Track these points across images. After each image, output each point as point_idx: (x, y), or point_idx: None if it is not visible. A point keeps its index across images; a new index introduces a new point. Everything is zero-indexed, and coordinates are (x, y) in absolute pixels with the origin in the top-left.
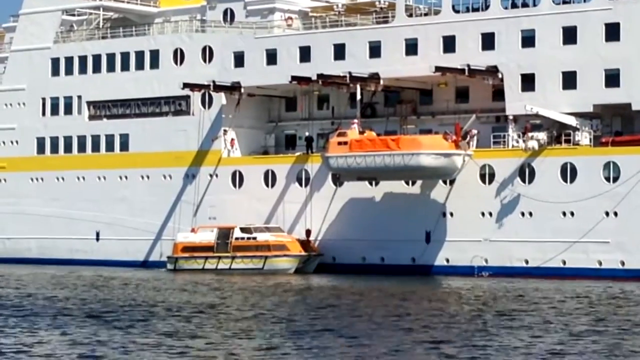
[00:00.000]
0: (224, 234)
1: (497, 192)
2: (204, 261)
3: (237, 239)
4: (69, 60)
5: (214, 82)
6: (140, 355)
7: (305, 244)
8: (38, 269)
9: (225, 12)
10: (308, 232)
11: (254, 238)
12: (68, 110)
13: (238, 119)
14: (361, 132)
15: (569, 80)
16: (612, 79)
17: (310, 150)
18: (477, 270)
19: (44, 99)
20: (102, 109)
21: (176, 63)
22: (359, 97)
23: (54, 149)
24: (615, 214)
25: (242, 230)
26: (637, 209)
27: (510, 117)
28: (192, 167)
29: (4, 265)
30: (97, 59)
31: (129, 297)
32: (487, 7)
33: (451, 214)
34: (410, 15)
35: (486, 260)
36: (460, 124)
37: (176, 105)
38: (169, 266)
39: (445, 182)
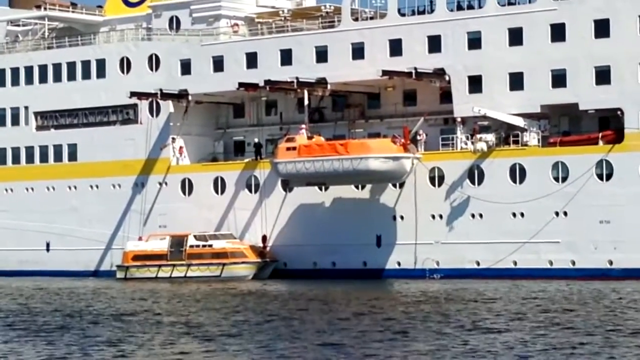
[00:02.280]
0: (177, 241)
1: (446, 195)
2: (157, 269)
3: (191, 246)
4: (15, 71)
5: (161, 90)
6: None
7: (260, 250)
8: None
9: (171, 20)
10: (264, 238)
11: (210, 245)
12: (15, 121)
13: (186, 127)
14: (309, 137)
15: (516, 81)
16: (559, 79)
17: (259, 156)
18: (429, 273)
19: None
20: (49, 119)
21: (123, 72)
22: (306, 102)
23: (2, 160)
24: (565, 213)
25: (197, 237)
26: (587, 209)
27: (458, 119)
28: (141, 175)
29: None
30: (43, 69)
31: (65, 305)
32: (432, 10)
33: (401, 217)
34: (356, 20)
35: (437, 263)
36: (409, 127)
37: (124, 114)
38: (119, 275)
39: (394, 186)
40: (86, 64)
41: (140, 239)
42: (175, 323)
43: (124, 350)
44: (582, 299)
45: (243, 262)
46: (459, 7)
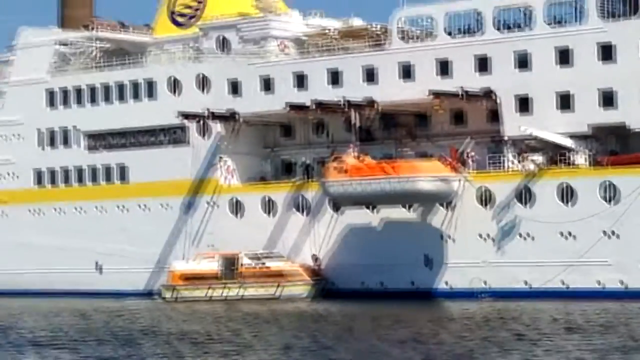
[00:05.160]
0: (229, 261)
1: (495, 215)
2: (208, 289)
3: (244, 266)
4: (65, 92)
5: (210, 110)
6: None
7: (313, 269)
8: (35, 301)
9: (219, 40)
10: (315, 259)
11: (264, 265)
12: (65, 141)
13: (235, 147)
14: (358, 158)
15: (564, 101)
16: (607, 99)
17: (308, 176)
18: (478, 294)
19: (40, 131)
20: (99, 140)
21: (172, 92)
22: (355, 122)
23: (52, 181)
24: (614, 233)
25: (249, 257)
26: (636, 228)
27: (507, 140)
28: (191, 196)
29: (3, 298)
30: (92, 90)
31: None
32: (481, 30)
33: (450, 237)
34: (405, 39)
35: (486, 283)
36: (457, 147)
37: (173, 135)
38: (166, 295)
39: (443, 206)
40: (135, 85)
41: (190, 259)
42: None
43: None
44: None
45: (299, 282)
46: (508, 27)
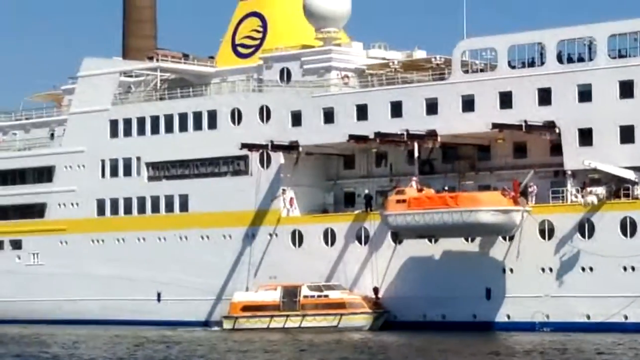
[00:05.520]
0: (290, 292)
1: (556, 248)
2: (270, 320)
3: (305, 297)
4: (128, 122)
5: (271, 141)
6: None
7: (374, 301)
8: (96, 330)
9: (281, 71)
10: (376, 290)
11: (326, 296)
12: (127, 171)
13: (296, 178)
14: (419, 190)
15: (627, 134)
16: None
17: (369, 208)
18: (539, 326)
19: (103, 161)
20: (161, 169)
21: (234, 123)
22: (416, 154)
23: (114, 210)
24: None
25: (311, 288)
26: None
27: (569, 172)
28: (252, 226)
29: (65, 327)
30: (155, 120)
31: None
32: (543, 62)
33: (511, 270)
34: (467, 72)
35: (547, 316)
36: (519, 179)
37: (235, 165)
38: (227, 325)
39: (504, 238)
40: (198, 115)
41: (249, 289)
42: None
43: None
44: None
45: (361, 313)
46: (570, 60)
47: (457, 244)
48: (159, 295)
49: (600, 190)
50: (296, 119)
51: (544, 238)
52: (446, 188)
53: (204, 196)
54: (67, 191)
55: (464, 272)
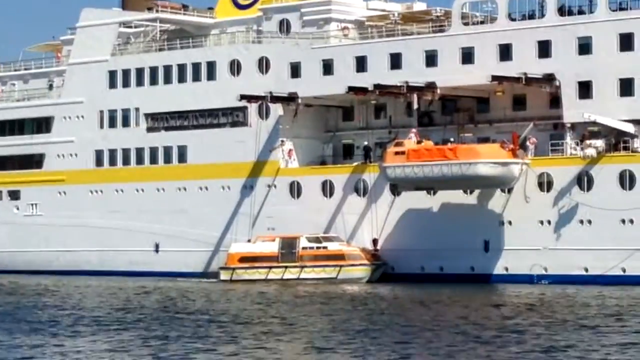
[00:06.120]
0: (289, 243)
1: (555, 201)
2: (267, 271)
3: (304, 248)
4: (126, 73)
5: (270, 93)
6: None
7: (373, 253)
8: (95, 280)
9: (281, 23)
10: (375, 242)
11: (325, 247)
12: (126, 122)
13: (295, 130)
14: (418, 142)
15: (626, 87)
16: None
17: (368, 160)
18: (537, 279)
19: (101, 112)
20: (159, 121)
21: (233, 74)
22: (415, 106)
23: (112, 161)
24: None
25: (309, 239)
26: None
27: (568, 125)
28: (250, 178)
29: (63, 277)
30: (154, 71)
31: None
32: (542, 14)
33: (509, 223)
34: (466, 24)
35: (545, 269)
36: (518, 132)
37: (233, 117)
38: (224, 276)
39: (503, 191)
40: (196, 67)
41: (249, 241)
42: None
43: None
44: None
45: (360, 265)
46: (569, 12)
47: (456, 196)
48: (157, 246)
49: (599, 143)
50: (295, 70)
51: (542, 191)
52: (452, 140)
53: (203, 147)
54: (65, 142)
55: (462, 224)
